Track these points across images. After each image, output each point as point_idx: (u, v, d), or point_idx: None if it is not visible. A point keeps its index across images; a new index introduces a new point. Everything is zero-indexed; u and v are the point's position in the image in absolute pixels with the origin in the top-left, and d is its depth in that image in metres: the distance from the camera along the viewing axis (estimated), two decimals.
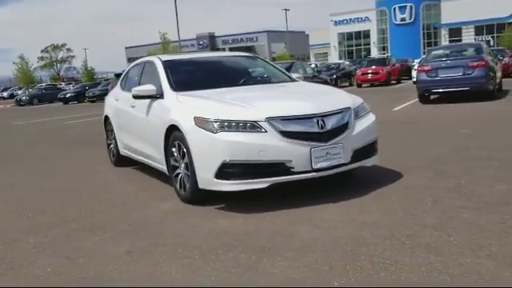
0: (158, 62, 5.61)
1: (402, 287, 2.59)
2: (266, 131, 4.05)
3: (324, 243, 3.26)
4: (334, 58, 64.84)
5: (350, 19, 67.42)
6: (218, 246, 3.38)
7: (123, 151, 6.59)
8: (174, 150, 4.68)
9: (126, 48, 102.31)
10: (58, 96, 37.00)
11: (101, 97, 34.35)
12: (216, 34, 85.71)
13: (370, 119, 4.70)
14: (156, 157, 5.21)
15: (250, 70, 6.06)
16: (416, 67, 25.08)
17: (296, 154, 4.05)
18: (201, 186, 4.27)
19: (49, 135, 12.93)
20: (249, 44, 76.19)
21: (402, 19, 62.26)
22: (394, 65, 27.31)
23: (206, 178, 4.19)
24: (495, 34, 57.75)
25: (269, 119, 4.08)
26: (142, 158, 5.84)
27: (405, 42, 59.65)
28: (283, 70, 6.13)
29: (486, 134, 7.37)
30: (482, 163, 5.29)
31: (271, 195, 4.37)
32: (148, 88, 5.18)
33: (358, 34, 67.76)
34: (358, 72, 26.60)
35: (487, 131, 7.62)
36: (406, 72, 28.99)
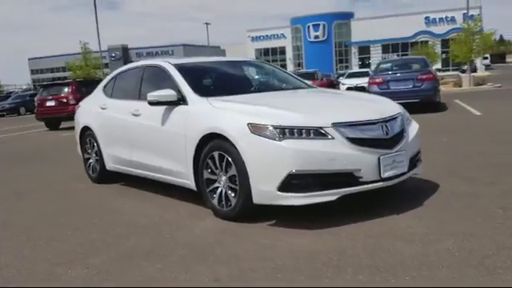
0: (168, 65, 5.04)
1: (402, 287, 2.47)
2: (332, 138, 3.70)
3: (440, 258, 2.97)
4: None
5: (267, 35, 68.91)
6: (320, 267, 2.96)
7: (113, 166, 5.86)
8: (209, 161, 4.17)
9: (30, 59, 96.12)
10: None
11: (12, 111, 31.75)
12: (129, 46, 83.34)
13: (415, 127, 4.53)
14: (175, 170, 4.63)
15: (266, 75, 5.68)
16: (344, 82, 26.28)
17: (365, 162, 3.74)
18: (256, 200, 3.80)
19: None
20: (164, 57, 74.85)
21: (316, 37, 64.78)
22: (322, 79, 28.04)
23: (266, 192, 3.73)
24: (400, 52, 61.76)
25: (335, 125, 3.74)
26: (147, 172, 5.19)
27: (318, 58, 61.96)
28: (296, 76, 5.81)
29: (468, 141, 7.57)
30: (503, 169, 5.33)
31: (307, 209, 3.86)
32: (168, 93, 4.60)
33: (274, 50, 69.33)
34: None
35: (466, 139, 7.83)
36: (329, 86, 30.06)
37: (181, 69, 4.95)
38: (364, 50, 65.01)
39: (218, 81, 5.18)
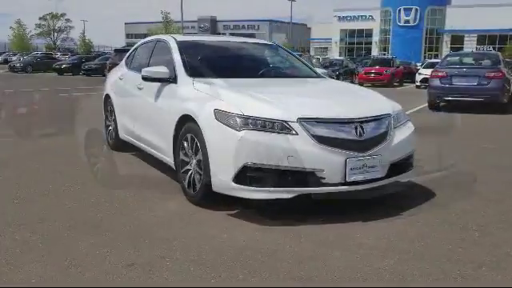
0: (172, 41, 5.05)
1: (401, 287, 2.57)
2: (296, 134, 3.51)
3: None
4: (334, 53, 64.03)
5: (354, 16, 66.81)
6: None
7: (123, 135, 6.02)
8: (184, 143, 4.14)
9: (126, 24, 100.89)
10: (53, 66, 35.85)
11: (97, 71, 33.41)
12: (218, 19, 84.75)
13: (409, 129, 4.18)
14: (163, 148, 4.65)
15: (272, 60, 5.52)
16: (420, 71, 24.79)
17: (329, 162, 3.53)
18: (215, 188, 3.74)
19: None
20: (250, 31, 75.34)
21: (406, 21, 61.77)
22: (398, 67, 26.68)
23: (223, 181, 3.65)
24: (497, 46, 57.38)
25: (301, 120, 3.54)
26: (144, 145, 5.27)
27: (406, 44, 59.20)
28: (308, 64, 5.59)
29: None
30: None
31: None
32: (160, 70, 4.61)
33: (360, 32, 67.17)
34: (362, 71, 26.01)
35: None
36: (408, 75, 28.30)
37: (182, 46, 4.93)
38: (457, 39, 61.12)
39: (214, 62, 5.03)
